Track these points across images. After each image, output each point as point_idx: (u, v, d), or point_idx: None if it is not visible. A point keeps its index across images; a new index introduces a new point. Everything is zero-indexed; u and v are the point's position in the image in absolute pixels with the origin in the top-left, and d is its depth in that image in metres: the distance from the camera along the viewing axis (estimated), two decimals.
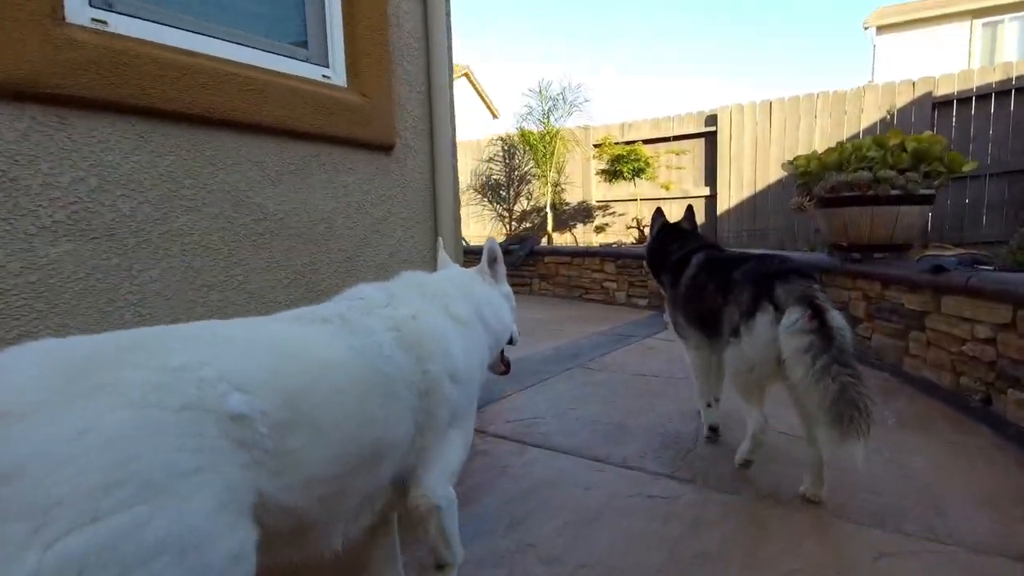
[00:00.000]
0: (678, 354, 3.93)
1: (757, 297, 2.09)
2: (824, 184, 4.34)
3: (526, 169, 11.66)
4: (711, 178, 9.82)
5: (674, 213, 10.24)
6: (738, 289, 2.23)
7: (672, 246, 2.94)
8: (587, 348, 4.77)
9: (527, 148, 10.95)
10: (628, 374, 3.93)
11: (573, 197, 11.26)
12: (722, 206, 9.67)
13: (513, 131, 11.45)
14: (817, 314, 1.92)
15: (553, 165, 10.67)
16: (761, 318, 2.05)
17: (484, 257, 1.80)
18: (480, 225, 12.68)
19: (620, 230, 10.57)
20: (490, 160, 12.32)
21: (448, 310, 1.48)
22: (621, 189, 10.51)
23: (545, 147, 10.51)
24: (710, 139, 9.78)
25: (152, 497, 0.75)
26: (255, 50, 2.02)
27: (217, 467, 0.84)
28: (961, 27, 16.29)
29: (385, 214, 2.46)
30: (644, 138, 10.25)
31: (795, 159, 4.77)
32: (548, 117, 10.52)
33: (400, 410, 1.23)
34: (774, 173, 9.09)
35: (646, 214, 10.39)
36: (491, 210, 12.49)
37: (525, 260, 8.66)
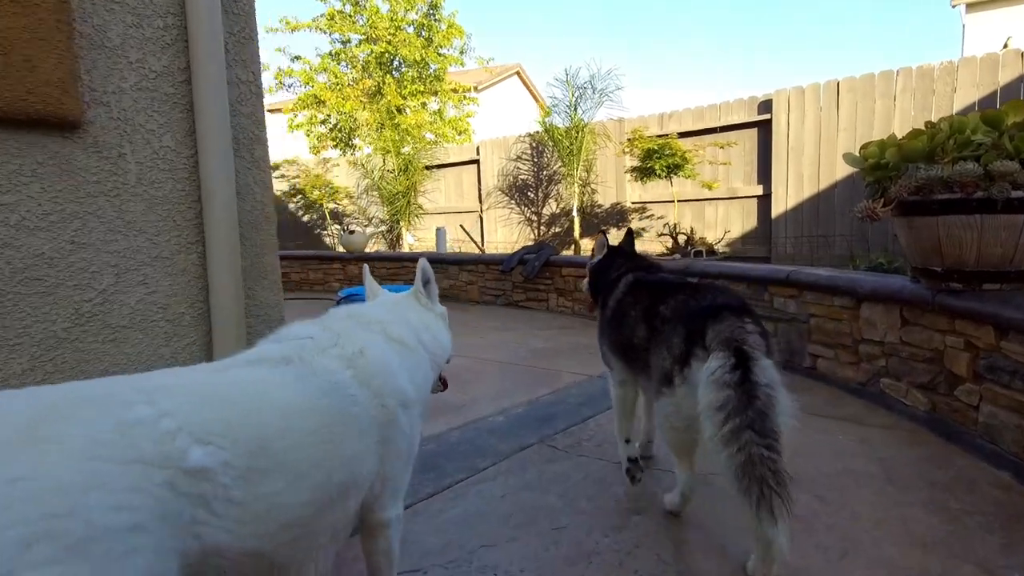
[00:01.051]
0: None
1: (690, 340, 1.85)
2: (906, 182, 2.99)
3: (555, 168, 10.46)
4: (765, 175, 8.35)
5: (720, 216, 8.82)
6: (668, 328, 1.99)
7: (609, 269, 2.72)
8: (571, 405, 3.57)
9: (554, 145, 9.73)
10: (608, 460, 2.71)
11: (606, 199, 9.97)
12: (778, 207, 8.18)
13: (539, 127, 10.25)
14: (741, 363, 1.68)
15: (581, 163, 9.42)
16: (696, 366, 1.81)
17: (417, 278, 1.79)
18: (508, 230, 11.59)
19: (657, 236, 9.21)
20: (518, 159, 11.21)
21: (388, 336, 1.49)
22: (660, 189, 9.15)
23: (571, 142, 9.26)
24: (764, 129, 8.31)
25: (74, 558, 0.71)
26: None
27: (156, 529, 0.80)
28: None
29: (62, 246, 1.38)
30: (687, 130, 8.85)
31: (863, 148, 3.41)
32: (575, 109, 9.27)
33: (368, 446, 1.25)
34: (841, 168, 7.56)
35: (688, 217, 9.01)
36: (518, 213, 11.38)
37: (541, 271, 7.48)
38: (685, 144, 8.49)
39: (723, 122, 8.61)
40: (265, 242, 1.68)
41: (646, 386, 2.27)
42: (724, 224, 8.74)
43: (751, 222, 8.60)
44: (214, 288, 1.53)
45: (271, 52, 28.65)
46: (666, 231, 8.44)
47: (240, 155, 1.62)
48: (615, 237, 9.18)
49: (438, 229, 10.27)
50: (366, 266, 2.05)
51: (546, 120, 9.71)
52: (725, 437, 1.62)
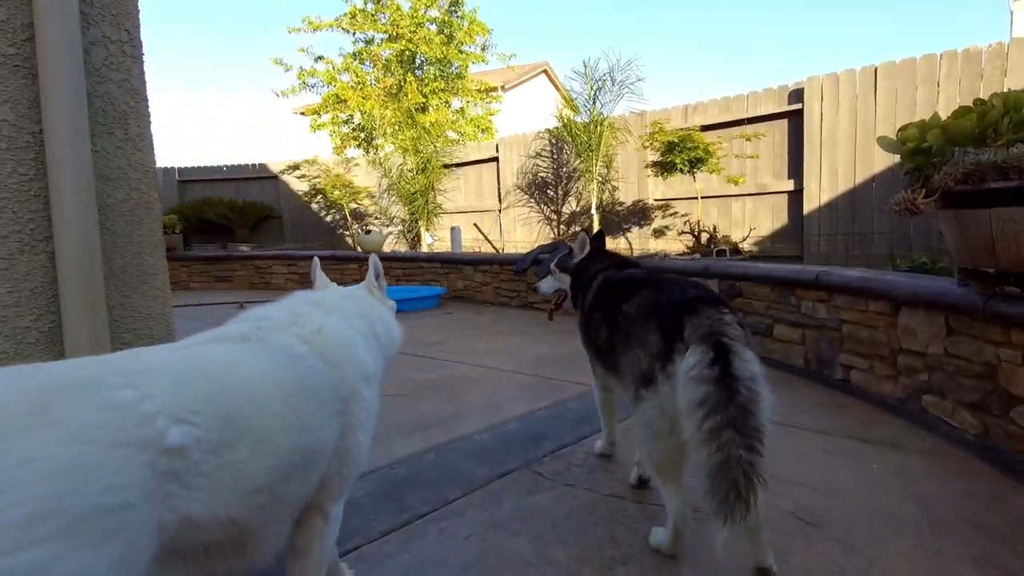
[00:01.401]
0: None
1: (669, 336, 1.75)
2: (952, 169, 2.57)
3: (574, 165, 10.08)
4: (796, 169, 7.84)
5: (747, 213, 8.29)
6: (641, 327, 1.89)
7: (587, 269, 2.64)
8: (568, 421, 3.23)
9: (572, 140, 9.35)
10: (597, 491, 2.37)
11: (627, 196, 9.55)
12: (810, 203, 7.66)
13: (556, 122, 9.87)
14: (720, 356, 1.59)
15: (600, 158, 9.02)
16: (679, 360, 1.70)
17: (370, 272, 1.87)
18: (527, 229, 11.24)
19: (678, 235, 8.75)
20: (537, 156, 10.86)
21: (349, 322, 1.54)
22: (684, 186, 8.69)
23: (589, 137, 8.86)
24: (795, 120, 7.80)
25: (71, 535, 0.75)
26: None
27: (141, 506, 0.85)
28: None
29: None
30: (712, 122, 8.39)
31: (901, 130, 2.98)
32: (594, 102, 8.87)
33: (328, 415, 1.29)
34: (880, 160, 7.02)
35: (714, 214, 8.55)
36: (538, 212, 11.02)
37: None
38: (710, 137, 8.02)
39: (751, 113, 8.12)
40: (145, 238, 1.38)
41: (624, 391, 2.12)
42: (752, 221, 8.25)
43: (781, 219, 8.09)
44: (64, 297, 1.24)
45: (294, 52, 28.86)
46: (688, 229, 7.99)
47: (109, 131, 1.33)
48: (637, 236, 8.68)
49: (452, 229, 9.99)
50: (316, 258, 2.00)
51: (564, 114, 9.34)
52: (704, 435, 1.55)
